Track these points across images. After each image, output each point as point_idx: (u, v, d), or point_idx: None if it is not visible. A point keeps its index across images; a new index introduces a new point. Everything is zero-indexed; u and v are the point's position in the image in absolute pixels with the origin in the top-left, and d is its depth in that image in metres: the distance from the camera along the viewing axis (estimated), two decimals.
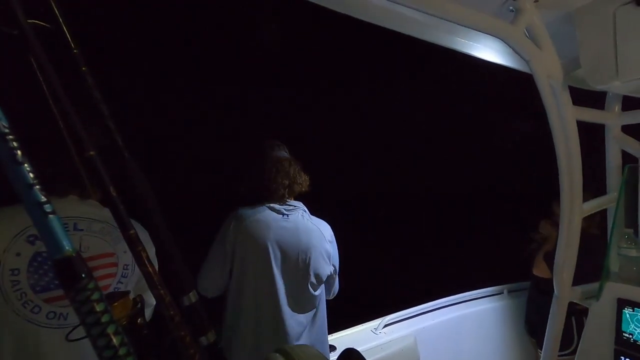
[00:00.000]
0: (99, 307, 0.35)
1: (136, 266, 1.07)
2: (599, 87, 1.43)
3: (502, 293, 2.60)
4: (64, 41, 0.58)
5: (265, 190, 1.54)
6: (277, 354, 0.89)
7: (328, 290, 1.72)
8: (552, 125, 1.45)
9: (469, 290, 2.55)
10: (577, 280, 1.68)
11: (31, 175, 0.35)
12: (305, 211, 1.61)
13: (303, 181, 1.61)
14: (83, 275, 0.35)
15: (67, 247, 0.35)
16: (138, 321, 0.84)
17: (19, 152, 0.35)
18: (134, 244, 0.55)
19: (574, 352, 1.81)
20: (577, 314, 2.15)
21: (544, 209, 2.42)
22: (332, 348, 1.91)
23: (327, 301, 1.71)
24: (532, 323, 2.45)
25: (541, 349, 2.33)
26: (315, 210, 1.67)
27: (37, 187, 0.35)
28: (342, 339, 2.02)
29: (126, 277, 1.07)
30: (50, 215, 0.35)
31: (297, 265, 1.52)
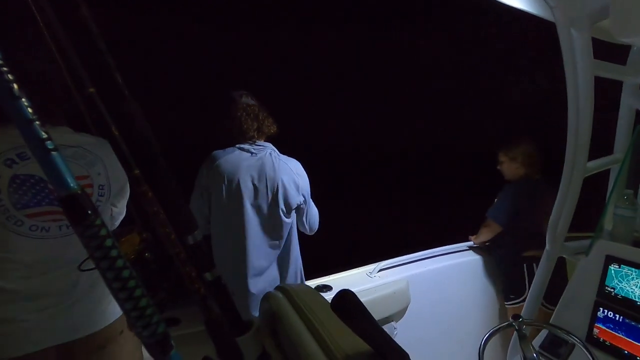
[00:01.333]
0: (107, 243, 0.37)
1: (112, 186, 1.14)
2: (624, 40, 1.34)
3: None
4: None
5: (237, 133, 1.71)
6: (276, 291, 0.95)
7: (300, 219, 1.87)
8: (568, 79, 1.39)
9: (460, 242, 2.67)
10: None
11: (30, 110, 0.34)
12: (274, 150, 1.76)
13: (270, 124, 1.78)
14: (89, 212, 0.36)
15: (72, 185, 0.36)
16: (145, 256, 0.88)
17: (15, 85, 0.33)
18: (138, 184, 0.55)
19: (524, 300, 1.94)
20: (527, 261, 2.27)
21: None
22: (328, 288, 2.03)
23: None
24: (496, 274, 2.61)
25: (504, 298, 2.49)
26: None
27: (37, 122, 0.34)
28: (338, 280, 2.14)
29: (103, 195, 1.14)
30: (53, 152, 0.35)
31: (266, 195, 1.69)
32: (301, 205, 1.82)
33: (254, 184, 1.68)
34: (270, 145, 1.78)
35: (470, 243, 2.66)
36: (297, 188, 1.76)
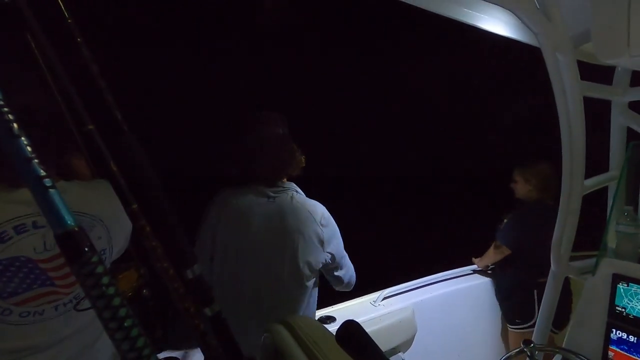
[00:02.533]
0: (103, 280, 0.36)
1: (114, 249, 1.01)
2: (608, 62, 1.39)
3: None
4: (58, 10, 0.56)
5: (251, 172, 1.37)
6: (279, 325, 0.92)
7: (333, 280, 1.52)
8: (558, 101, 1.43)
9: (463, 266, 2.63)
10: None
11: (29, 148, 0.35)
12: (296, 192, 1.42)
13: (299, 161, 1.41)
14: (86, 249, 0.36)
15: (69, 222, 0.36)
16: (143, 293, 0.86)
17: (15, 124, 0.34)
18: (136, 218, 0.55)
19: (534, 324, 1.87)
20: (539, 287, 2.14)
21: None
22: (332, 319, 1.97)
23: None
24: (498, 298, 2.55)
25: (507, 322, 2.42)
26: (309, 188, 1.49)
27: (36, 160, 0.35)
28: (342, 310, 2.08)
29: (104, 260, 1.04)
30: (51, 190, 0.35)
31: (284, 252, 1.35)
32: (329, 265, 1.44)
33: (267, 237, 1.34)
34: (293, 185, 1.43)
35: (475, 267, 2.62)
36: (321, 243, 1.38)
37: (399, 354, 2.09)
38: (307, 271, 1.37)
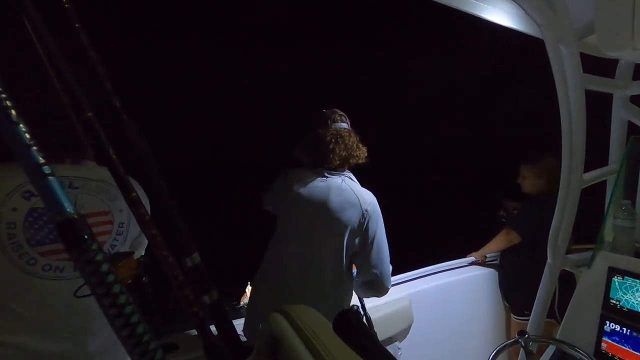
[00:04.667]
0: (103, 268, 0.36)
1: (131, 226, 1.07)
2: (611, 54, 1.38)
3: (493, 260, 2.69)
4: None
5: (321, 159, 1.52)
6: (277, 313, 0.93)
7: (363, 275, 1.52)
8: (559, 93, 1.42)
9: (460, 258, 2.65)
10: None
11: (27, 135, 0.34)
12: (348, 178, 1.55)
13: (361, 153, 1.56)
14: (85, 237, 0.36)
15: (68, 209, 0.36)
16: (142, 280, 0.86)
17: (13, 111, 0.34)
18: (135, 206, 0.55)
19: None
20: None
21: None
22: None
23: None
24: (502, 285, 2.57)
25: (513, 313, 2.44)
26: None
27: (35, 147, 0.35)
28: None
29: (121, 234, 1.08)
30: (50, 177, 0.35)
31: (327, 225, 1.45)
32: (361, 252, 1.48)
33: (310, 206, 1.47)
34: (348, 173, 1.57)
35: (473, 258, 2.63)
36: (361, 227, 1.45)
37: (396, 343, 2.12)
38: (341, 252, 1.46)
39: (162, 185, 0.61)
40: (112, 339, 1.02)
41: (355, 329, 0.65)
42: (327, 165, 1.52)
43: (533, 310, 1.76)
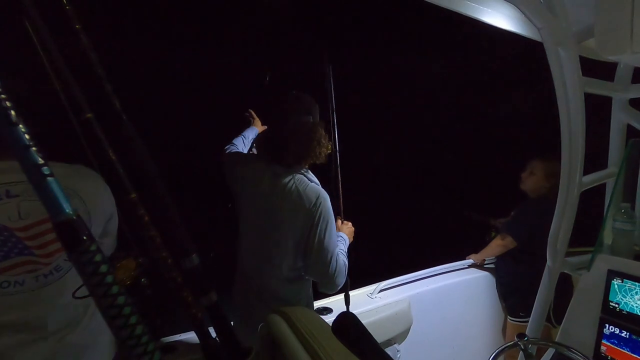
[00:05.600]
0: (102, 269, 0.36)
1: (93, 222, 0.99)
2: (610, 58, 1.39)
3: (491, 263, 2.69)
4: None
5: (273, 156, 1.46)
6: (276, 315, 0.93)
7: (308, 273, 1.48)
8: (558, 96, 1.42)
9: (459, 260, 2.66)
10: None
11: (27, 136, 0.34)
12: (303, 176, 1.45)
13: (321, 151, 1.45)
14: (84, 238, 0.36)
15: (67, 210, 0.36)
16: (141, 281, 0.86)
17: (12, 112, 0.34)
18: (135, 208, 0.55)
19: None
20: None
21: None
22: (329, 310, 1.98)
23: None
24: (499, 289, 2.57)
25: (509, 314, 2.43)
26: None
27: (34, 148, 0.35)
28: (338, 302, 2.10)
29: None
30: (49, 178, 0.35)
31: (270, 227, 1.43)
32: (310, 253, 1.42)
33: (257, 207, 1.47)
34: (306, 171, 1.48)
35: (471, 261, 2.64)
36: (303, 227, 1.40)
37: (395, 345, 2.12)
38: (288, 249, 1.43)
39: (161, 186, 0.61)
40: (87, 340, 0.98)
41: (354, 331, 0.65)
42: (281, 161, 1.44)
43: (532, 313, 1.76)
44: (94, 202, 1.00)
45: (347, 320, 0.67)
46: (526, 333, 1.42)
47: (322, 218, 1.40)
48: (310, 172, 1.50)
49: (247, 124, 1.98)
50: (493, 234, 2.56)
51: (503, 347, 1.35)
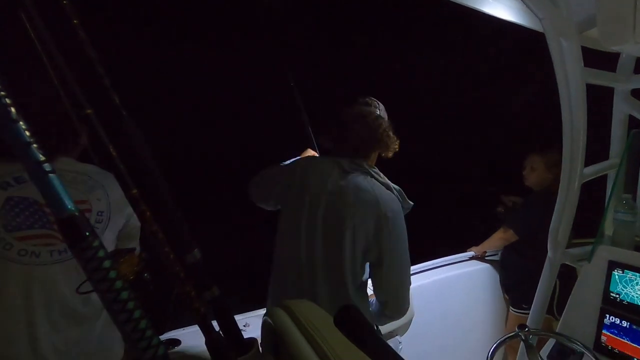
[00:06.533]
0: (105, 264, 0.36)
1: (113, 215, 1.08)
2: (613, 48, 1.37)
3: (492, 256, 2.70)
4: None
5: (340, 141, 1.39)
6: (279, 309, 0.93)
7: (375, 292, 1.37)
8: (560, 87, 1.41)
9: (461, 253, 2.66)
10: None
11: (27, 133, 0.34)
12: (372, 175, 1.36)
13: (390, 142, 1.37)
14: (87, 234, 0.36)
15: (69, 207, 0.36)
16: (144, 276, 0.87)
17: (12, 109, 0.34)
18: (137, 203, 0.55)
19: None
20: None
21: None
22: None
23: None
24: (503, 282, 2.57)
25: (512, 306, 2.43)
26: None
27: (35, 145, 0.35)
28: None
29: (101, 222, 1.08)
30: (51, 175, 0.35)
31: (341, 236, 1.29)
32: (376, 264, 1.32)
33: (324, 207, 1.32)
34: (376, 169, 1.39)
35: (473, 253, 2.64)
36: (374, 236, 1.29)
37: (396, 337, 2.13)
38: (355, 257, 1.31)
39: (162, 182, 0.61)
40: (97, 328, 1.03)
41: (356, 323, 0.65)
42: (347, 147, 1.37)
43: (533, 304, 1.77)
44: (117, 200, 1.09)
45: (350, 313, 0.67)
46: (527, 324, 1.43)
47: (399, 229, 1.32)
48: (377, 170, 1.41)
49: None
50: (500, 208, 2.53)
51: (504, 337, 1.36)
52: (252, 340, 0.68)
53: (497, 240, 2.44)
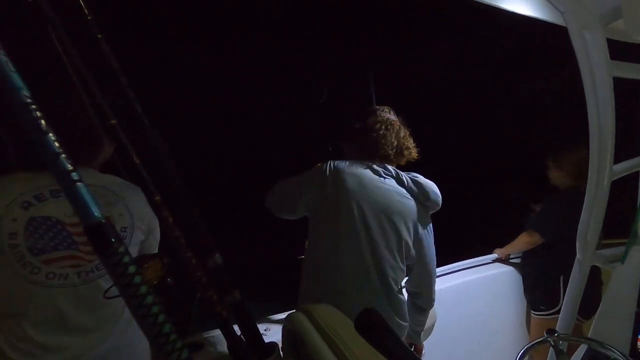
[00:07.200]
0: (130, 270, 0.37)
1: (136, 229, 1.06)
2: None
3: (516, 258, 2.62)
4: (79, 8, 0.57)
5: (370, 148, 1.43)
6: (299, 313, 0.93)
7: (411, 282, 1.51)
8: (585, 82, 1.36)
9: (484, 255, 2.59)
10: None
11: (56, 144, 0.36)
12: (406, 179, 1.44)
13: (412, 147, 1.48)
14: (113, 240, 0.37)
15: (96, 214, 0.37)
16: (167, 281, 0.89)
17: (42, 121, 0.35)
18: (159, 210, 0.57)
19: (559, 311, 1.78)
20: (567, 274, 1.98)
21: None
22: None
23: None
24: (524, 284, 2.50)
25: (531, 308, 2.36)
26: None
27: (63, 155, 0.36)
28: None
29: (125, 238, 1.05)
30: (78, 184, 0.36)
31: (384, 236, 1.37)
32: (410, 266, 1.46)
33: (373, 213, 1.37)
34: (403, 173, 1.45)
35: (496, 255, 2.57)
36: (412, 235, 1.42)
37: None
38: (396, 257, 1.41)
39: (183, 188, 0.63)
40: (125, 341, 1.03)
41: (377, 328, 0.64)
42: (379, 154, 1.43)
43: (562, 308, 1.70)
44: (140, 213, 1.07)
45: (371, 318, 0.66)
46: (556, 329, 1.38)
47: (431, 228, 1.46)
48: (406, 174, 1.47)
49: None
50: (538, 208, 2.47)
51: (532, 343, 1.31)
52: (273, 344, 0.69)
53: (522, 244, 2.38)
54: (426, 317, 1.61)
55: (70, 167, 0.37)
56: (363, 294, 1.38)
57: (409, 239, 1.41)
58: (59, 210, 0.93)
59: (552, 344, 1.24)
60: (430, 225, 1.48)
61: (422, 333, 2.11)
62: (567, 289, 1.69)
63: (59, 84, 0.93)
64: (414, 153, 1.49)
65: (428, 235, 1.46)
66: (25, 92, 0.36)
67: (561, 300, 2.10)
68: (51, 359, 0.92)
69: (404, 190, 1.42)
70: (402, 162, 1.50)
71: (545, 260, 2.29)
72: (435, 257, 1.49)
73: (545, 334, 1.26)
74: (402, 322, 1.48)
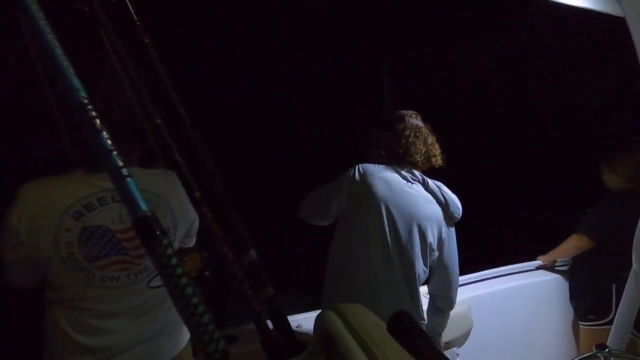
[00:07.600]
0: (172, 261, 0.39)
1: (178, 229, 1.12)
2: None
3: (563, 265, 2.45)
4: (128, 14, 0.61)
5: (399, 154, 1.46)
6: (330, 312, 0.94)
7: (433, 284, 1.56)
8: None
9: (527, 261, 2.45)
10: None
11: (109, 142, 0.39)
12: (437, 186, 1.49)
13: (438, 153, 1.52)
14: (158, 233, 0.39)
15: (143, 208, 0.40)
16: (205, 274, 0.92)
17: (97, 120, 0.38)
18: (199, 205, 0.59)
19: (610, 322, 1.66)
20: (619, 281, 1.91)
21: None
22: None
23: None
24: (570, 293, 2.33)
25: (578, 318, 2.22)
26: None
27: (115, 152, 0.39)
28: None
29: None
30: (128, 179, 0.39)
31: (411, 240, 1.41)
32: (432, 270, 1.52)
33: (400, 217, 1.41)
34: (428, 179, 1.50)
35: (540, 262, 2.43)
36: (437, 239, 1.47)
37: (453, 348, 2.03)
38: (420, 260, 1.45)
39: (221, 186, 0.65)
40: (168, 324, 1.12)
41: (409, 330, 0.63)
42: (407, 160, 1.46)
43: (615, 322, 1.58)
44: (181, 209, 1.12)
45: (403, 320, 0.65)
46: (607, 344, 1.28)
47: (452, 228, 1.51)
48: (432, 180, 1.52)
49: None
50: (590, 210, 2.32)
51: (578, 358, 1.23)
52: (305, 341, 0.69)
53: (569, 249, 2.22)
54: (446, 319, 1.63)
55: (121, 163, 0.39)
56: (390, 296, 1.41)
57: (433, 243, 1.46)
58: (107, 218, 1.00)
59: (602, 359, 1.16)
60: (453, 229, 1.53)
61: (457, 338, 2.04)
62: (621, 300, 1.56)
63: (111, 85, 0.98)
64: (439, 160, 1.53)
65: (451, 239, 1.52)
66: (83, 94, 0.39)
67: (613, 310, 1.95)
68: (107, 338, 1.02)
69: (430, 196, 1.46)
70: (426, 168, 1.53)
71: (595, 265, 2.13)
72: (457, 261, 1.54)
73: (594, 349, 1.18)
74: (422, 322, 1.57)
